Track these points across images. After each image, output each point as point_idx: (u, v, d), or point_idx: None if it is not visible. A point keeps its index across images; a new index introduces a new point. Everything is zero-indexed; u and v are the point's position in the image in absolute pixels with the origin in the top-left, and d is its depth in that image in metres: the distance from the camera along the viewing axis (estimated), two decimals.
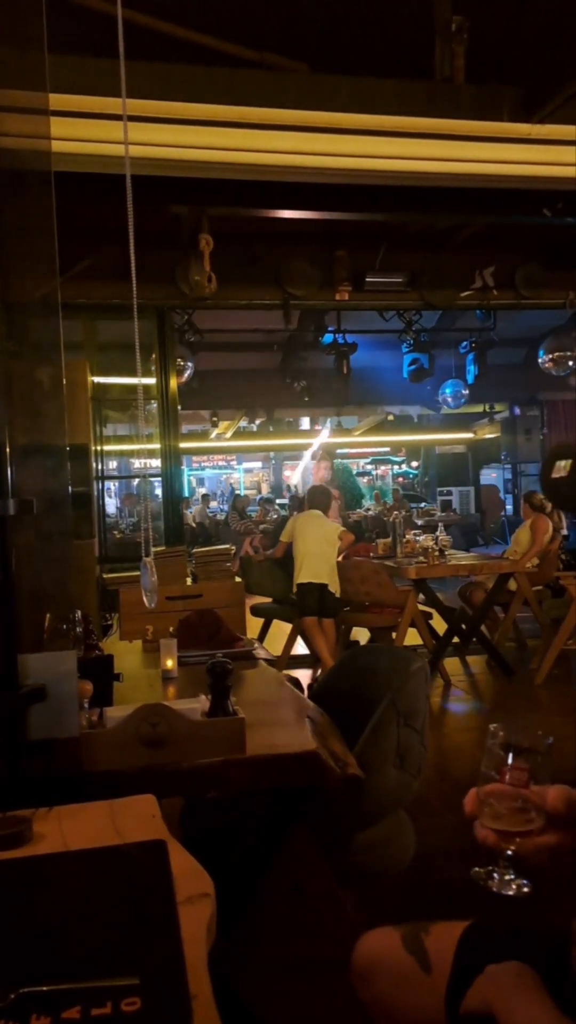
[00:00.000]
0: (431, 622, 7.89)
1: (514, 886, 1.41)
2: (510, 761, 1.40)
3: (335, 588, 7.76)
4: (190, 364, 9.87)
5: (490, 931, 1.65)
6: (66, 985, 1.12)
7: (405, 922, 1.77)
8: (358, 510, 20.36)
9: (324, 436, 21.53)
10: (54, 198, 2.19)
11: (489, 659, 8.14)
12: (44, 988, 1.11)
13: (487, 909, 1.57)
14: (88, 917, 1.34)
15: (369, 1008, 1.74)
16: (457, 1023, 1.48)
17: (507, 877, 1.42)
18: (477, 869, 1.45)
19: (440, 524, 9.66)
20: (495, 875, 1.43)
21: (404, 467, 26.79)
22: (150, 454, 8.94)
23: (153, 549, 5.00)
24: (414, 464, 26.19)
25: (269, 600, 8.64)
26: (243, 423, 21.66)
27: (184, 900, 1.36)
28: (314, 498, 8.55)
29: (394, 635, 7.44)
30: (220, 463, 29.09)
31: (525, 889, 1.41)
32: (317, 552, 7.88)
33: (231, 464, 29.33)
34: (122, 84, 2.65)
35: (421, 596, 7.57)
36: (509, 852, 1.38)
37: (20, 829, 1.63)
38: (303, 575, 7.85)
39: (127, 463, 14.89)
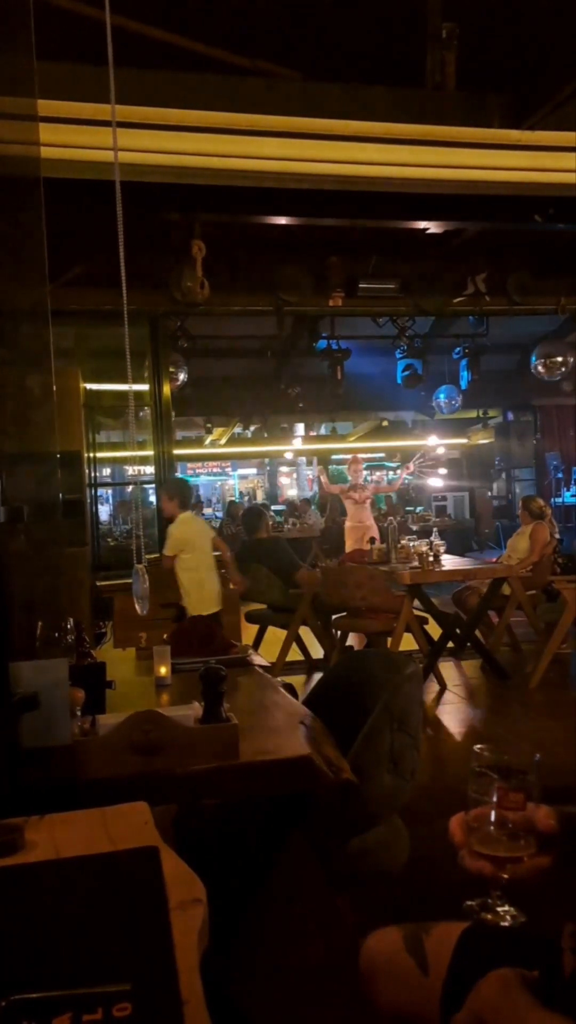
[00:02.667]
0: (426, 627, 7.89)
1: (509, 917, 1.40)
2: (498, 785, 1.38)
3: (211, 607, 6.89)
4: (183, 370, 9.88)
5: (487, 934, 1.65)
6: (57, 992, 1.12)
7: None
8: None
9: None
10: (43, 204, 2.19)
11: (484, 663, 8.14)
12: (35, 995, 1.11)
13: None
14: (80, 924, 1.33)
15: (375, 1007, 1.74)
16: None
17: (502, 908, 1.41)
18: (469, 903, 1.44)
19: (435, 529, 9.66)
20: (489, 907, 1.41)
21: (399, 472, 26.78)
22: (143, 461, 8.94)
23: (147, 556, 5.00)
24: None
25: (264, 607, 8.63)
26: (237, 429, 21.65)
27: (176, 906, 1.35)
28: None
29: (389, 640, 7.44)
30: (215, 469, 29.06)
31: (521, 919, 1.40)
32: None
33: (226, 471, 29.30)
34: (111, 90, 2.65)
35: (416, 601, 7.56)
36: (504, 879, 1.36)
37: (12, 837, 1.62)
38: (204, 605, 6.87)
39: (121, 470, 14.89)
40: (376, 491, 12.93)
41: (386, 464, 26.82)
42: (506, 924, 1.40)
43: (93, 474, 10.07)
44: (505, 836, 1.35)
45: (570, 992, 1.31)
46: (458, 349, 11.78)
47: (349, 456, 13.84)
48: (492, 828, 1.36)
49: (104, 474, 13.83)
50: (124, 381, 3.27)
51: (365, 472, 14.28)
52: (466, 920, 1.68)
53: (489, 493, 22.57)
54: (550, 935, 1.44)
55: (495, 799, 1.37)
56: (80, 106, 5.08)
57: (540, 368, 11.67)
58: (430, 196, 6.71)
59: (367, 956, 1.79)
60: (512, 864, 1.35)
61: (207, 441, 21.57)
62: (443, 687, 7.54)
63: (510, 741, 5.96)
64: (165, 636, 4.02)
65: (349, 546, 11.55)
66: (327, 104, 6.00)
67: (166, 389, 8.86)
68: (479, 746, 1.42)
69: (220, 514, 23.24)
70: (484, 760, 1.41)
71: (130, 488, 15.55)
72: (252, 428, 21.68)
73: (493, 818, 1.36)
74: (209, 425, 19.98)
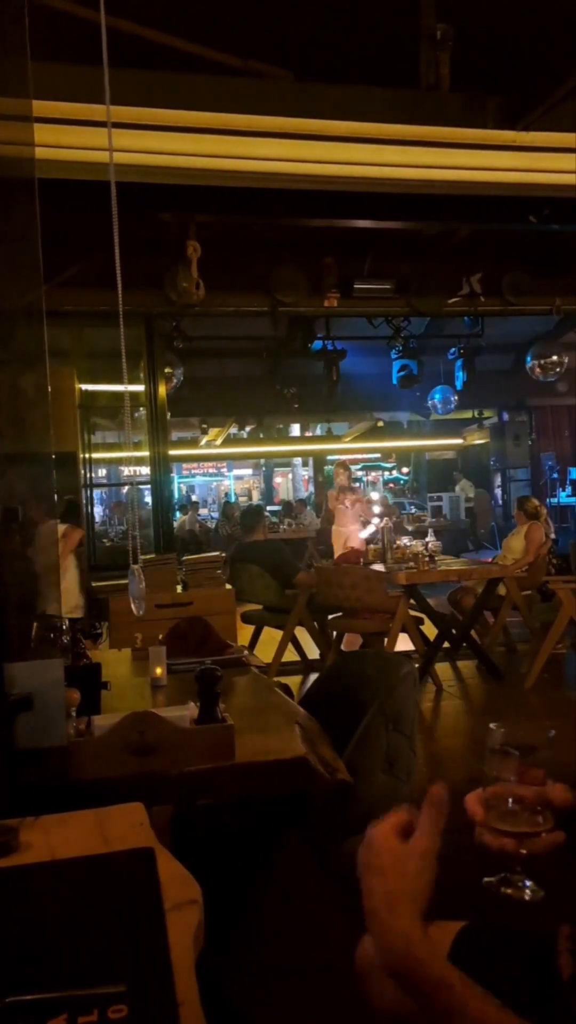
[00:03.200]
0: (422, 627, 7.89)
1: (529, 892, 1.41)
2: (518, 761, 1.39)
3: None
4: (179, 371, 9.88)
5: (482, 934, 1.65)
6: (53, 993, 1.11)
7: None
8: None
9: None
10: (38, 205, 2.19)
11: (479, 664, 8.14)
12: (31, 997, 1.11)
13: (479, 913, 1.57)
14: (75, 925, 1.33)
15: (371, 1004, 1.74)
16: None
17: (522, 883, 1.41)
18: (488, 879, 1.44)
19: (430, 530, 9.68)
20: (509, 882, 1.41)
21: (394, 473, 26.81)
22: (139, 462, 8.94)
23: (142, 557, 4.99)
24: (404, 470, 26.21)
25: (260, 607, 8.63)
26: (233, 430, 21.66)
27: (172, 907, 1.35)
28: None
29: (385, 640, 7.44)
30: (210, 470, 29.08)
31: (541, 893, 1.40)
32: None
33: (221, 471, 29.32)
34: (106, 91, 2.65)
35: (412, 601, 7.56)
36: (524, 854, 1.37)
37: (7, 838, 1.62)
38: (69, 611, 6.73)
39: (117, 471, 14.90)
40: (358, 501, 12.60)
41: (382, 465, 26.85)
42: (527, 899, 1.40)
43: (89, 475, 10.07)
44: (523, 812, 1.36)
45: (567, 995, 1.31)
46: (453, 349, 11.78)
47: (344, 458, 13.83)
48: (510, 804, 1.37)
49: (100, 475, 13.82)
50: (120, 382, 3.27)
51: (361, 474, 14.24)
52: (464, 919, 1.68)
53: (450, 496, 22.56)
54: (547, 936, 1.44)
55: (513, 776, 1.38)
56: (75, 107, 5.08)
57: (536, 368, 11.69)
58: (425, 196, 6.71)
59: (363, 955, 1.79)
60: (530, 840, 1.36)
61: (203, 442, 21.57)
62: (439, 687, 7.54)
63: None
64: (160, 636, 4.02)
65: (337, 550, 11.51)
66: (321, 105, 5.99)
67: (162, 390, 8.86)
68: (494, 724, 1.43)
69: (216, 514, 23.27)
70: (500, 738, 1.41)
71: (125, 489, 15.56)
72: (248, 429, 21.68)
73: (511, 795, 1.37)
74: (205, 426, 19.99)
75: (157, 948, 1.23)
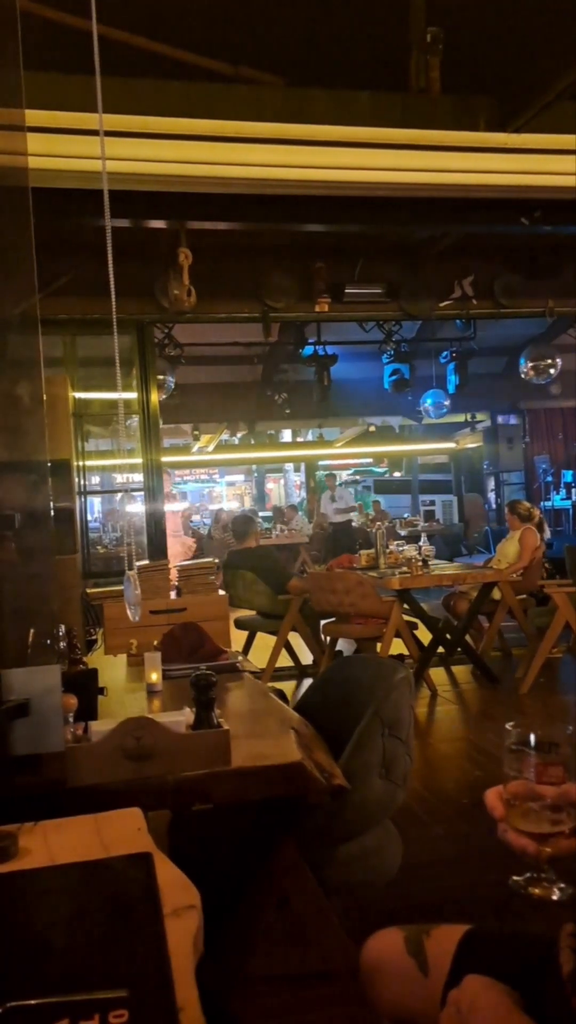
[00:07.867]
0: (416, 632, 7.90)
1: (557, 890, 1.41)
2: (536, 760, 1.39)
3: None
4: (171, 378, 9.89)
5: (488, 937, 1.65)
6: (53, 999, 1.12)
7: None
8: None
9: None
10: (31, 214, 2.19)
11: (474, 669, 8.15)
12: (31, 1002, 1.11)
13: (478, 918, 1.58)
14: (75, 930, 1.34)
15: (376, 1007, 1.75)
16: None
17: (549, 882, 1.41)
18: (516, 878, 1.44)
19: (423, 534, 9.68)
20: (537, 881, 1.42)
21: (387, 478, 26.82)
22: (132, 469, 8.93)
23: (136, 563, 5.00)
24: (396, 475, 26.23)
25: (253, 613, 8.64)
26: (225, 436, 21.65)
27: (171, 912, 1.36)
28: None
29: (379, 645, 7.45)
30: (203, 477, 29.08)
31: (571, 891, 1.41)
32: None
33: (213, 477, 29.32)
34: (98, 99, 2.66)
35: (405, 606, 7.57)
36: (548, 853, 1.37)
37: (5, 844, 1.62)
38: None
39: (110, 478, 14.91)
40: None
41: (373, 470, 26.87)
42: (556, 898, 1.40)
43: (82, 482, 10.05)
44: (546, 811, 1.36)
45: (566, 990, 1.32)
46: (445, 353, 11.80)
47: (338, 462, 13.79)
48: (528, 803, 1.37)
49: (93, 482, 13.82)
50: (113, 389, 3.28)
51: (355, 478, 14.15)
52: (469, 922, 1.69)
53: (443, 499, 22.51)
54: (550, 937, 1.45)
55: (532, 774, 1.38)
56: (68, 116, 5.09)
57: (529, 371, 11.70)
58: (416, 200, 6.73)
59: (368, 957, 1.80)
60: (553, 840, 1.36)
61: (194, 448, 21.55)
62: (434, 692, 7.54)
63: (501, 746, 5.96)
64: (155, 643, 4.02)
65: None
66: (312, 110, 6.01)
67: (154, 397, 8.86)
68: (510, 724, 1.43)
69: (208, 520, 23.26)
70: (516, 737, 1.42)
71: (119, 496, 15.56)
72: (239, 435, 21.69)
73: (528, 793, 1.37)
74: (196, 432, 19.97)
75: (157, 953, 1.23)
